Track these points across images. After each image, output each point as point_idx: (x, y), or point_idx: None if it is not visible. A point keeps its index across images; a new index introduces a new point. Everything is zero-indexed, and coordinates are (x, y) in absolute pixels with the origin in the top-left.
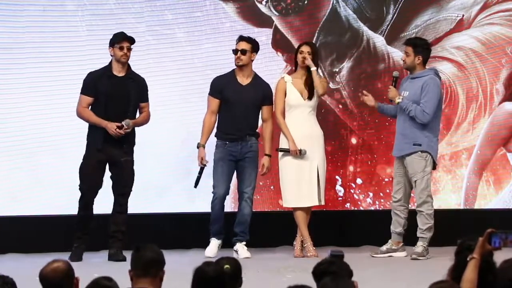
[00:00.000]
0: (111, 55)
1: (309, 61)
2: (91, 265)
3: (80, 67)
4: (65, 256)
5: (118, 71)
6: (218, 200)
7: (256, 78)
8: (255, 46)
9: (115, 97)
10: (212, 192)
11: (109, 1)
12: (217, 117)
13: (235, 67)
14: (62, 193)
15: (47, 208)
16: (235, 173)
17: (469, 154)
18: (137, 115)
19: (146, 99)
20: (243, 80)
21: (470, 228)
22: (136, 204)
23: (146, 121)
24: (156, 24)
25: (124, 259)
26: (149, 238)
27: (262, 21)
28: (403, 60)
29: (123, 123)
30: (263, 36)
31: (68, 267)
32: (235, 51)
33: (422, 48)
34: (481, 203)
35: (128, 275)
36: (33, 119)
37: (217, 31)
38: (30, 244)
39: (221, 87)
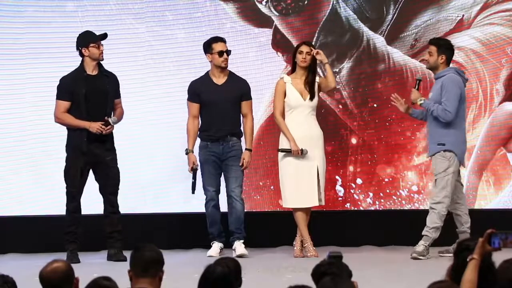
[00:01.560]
0: (84, 55)
1: (322, 56)
2: (91, 265)
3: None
4: (64, 256)
5: (91, 70)
6: (211, 202)
7: (232, 76)
8: None
9: (94, 96)
10: (204, 194)
11: (109, 2)
12: (199, 119)
13: (216, 68)
14: (62, 193)
15: (47, 208)
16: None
17: (469, 154)
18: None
19: (119, 95)
20: (219, 80)
21: (470, 228)
22: (136, 205)
23: (122, 117)
24: (157, 24)
25: (124, 259)
26: (149, 238)
27: (262, 21)
28: (426, 60)
29: (110, 120)
30: (263, 36)
31: (68, 267)
32: (221, 53)
33: (445, 47)
34: (481, 203)
35: (128, 275)
36: (33, 119)
37: (218, 32)
38: (30, 244)
39: (198, 91)
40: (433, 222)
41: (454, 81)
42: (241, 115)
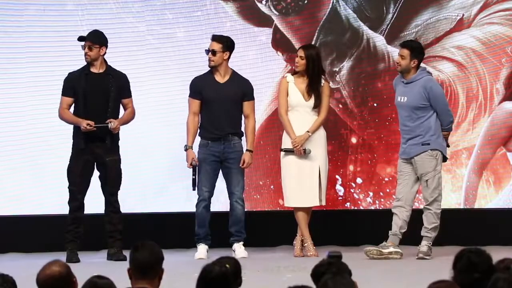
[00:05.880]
0: None
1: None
2: (91, 265)
3: (80, 67)
4: (64, 256)
5: (94, 69)
6: (202, 202)
7: (234, 75)
8: (227, 45)
9: (94, 94)
10: (197, 194)
11: (109, 1)
12: (200, 117)
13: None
14: (62, 193)
15: (47, 208)
16: (220, 172)
17: (469, 154)
18: (121, 112)
19: (128, 95)
20: (221, 78)
21: (470, 228)
22: (136, 204)
23: (131, 118)
24: (156, 23)
25: (124, 259)
26: (149, 238)
27: (262, 20)
28: (397, 63)
29: (109, 124)
30: (263, 35)
31: (66, 270)
32: (206, 52)
33: (418, 52)
34: (481, 203)
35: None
36: (33, 118)
37: (217, 31)
38: (30, 244)
39: (200, 88)
40: (431, 222)
41: (437, 83)
42: (242, 115)
